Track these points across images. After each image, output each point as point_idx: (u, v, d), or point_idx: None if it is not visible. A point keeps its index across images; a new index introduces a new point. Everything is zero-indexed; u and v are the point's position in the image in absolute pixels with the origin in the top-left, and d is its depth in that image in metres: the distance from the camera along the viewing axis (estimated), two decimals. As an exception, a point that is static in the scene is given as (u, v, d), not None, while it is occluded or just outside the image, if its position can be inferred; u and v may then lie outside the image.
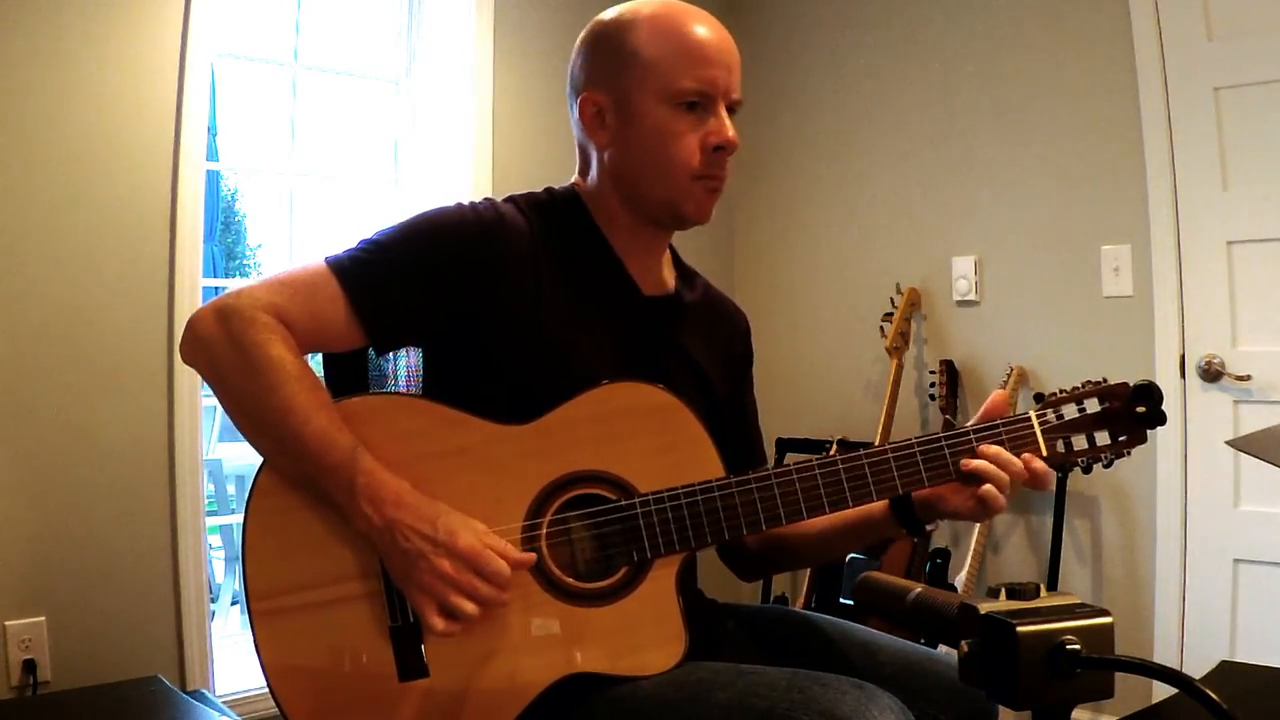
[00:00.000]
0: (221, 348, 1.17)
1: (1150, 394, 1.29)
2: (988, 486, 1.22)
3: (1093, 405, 1.29)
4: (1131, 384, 1.29)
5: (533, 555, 1.17)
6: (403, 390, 1.41)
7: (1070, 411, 1.29)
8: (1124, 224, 2.76)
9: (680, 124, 1.27)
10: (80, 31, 2.30)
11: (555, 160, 3.23)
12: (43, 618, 2.24)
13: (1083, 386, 1.30)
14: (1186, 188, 2.64)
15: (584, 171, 1.37)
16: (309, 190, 3.11)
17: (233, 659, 2.65)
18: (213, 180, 5.87)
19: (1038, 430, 1.28)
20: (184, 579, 2.42)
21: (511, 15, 3.03)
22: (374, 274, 1.22)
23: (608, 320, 1.31)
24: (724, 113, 1.28)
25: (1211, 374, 2.61)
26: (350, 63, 3.06)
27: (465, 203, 1.30)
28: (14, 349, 2.24)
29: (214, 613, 2.94)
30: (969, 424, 1.28)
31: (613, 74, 1.29)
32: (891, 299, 3.10)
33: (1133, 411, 1.29)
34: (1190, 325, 2.65)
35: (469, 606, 1.12)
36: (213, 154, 4.48)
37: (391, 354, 1.41)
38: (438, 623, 1.12)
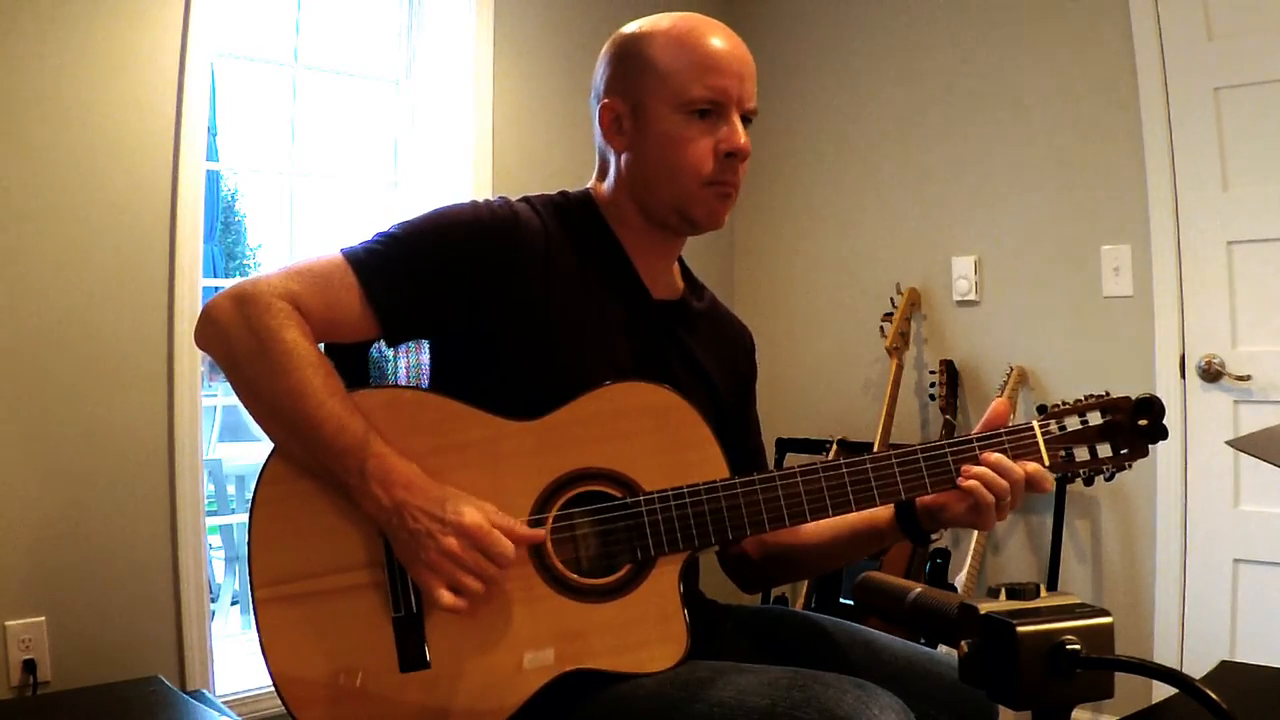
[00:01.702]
0: (237, 332, 1.19)
1: (1152, 408, 1.29)
2: (988, 494, 1.23)
3: (1095, 418, 1.30)
4: (1134, 397, 1.30)
5: (542, 531, 1.19)
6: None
7: (1073, 423, 1.30)
8: (1124, 224, 2.76)
9: (692, 130, 1.30)
10: (80, 31, 2.30)
11: (555, 159, 3.25)
12: (43, 618, 2.24)
13: (1086, 399, 1.31)
14: (1186, 188, 2.64)
15: (601, 176, 1.39)
16: (309, 190, 3.11)
17: (233, 659, 2.65)
18: (213, 180, 5.87)
19: (1040, 440, 1.28)
20: (184, 579, 2.42)
21: (511, 15, 3.03)
22: (388, 266, 1.24)
23: (617, 321, 1.33)
24: (737, 120, 1.31)
25: (1211, 374, 2.61)
26: (350, 63, 3.06)
27: (481, 200, 1.32)
28: (14, 349, 2.24)
29: (214, 613, 2.93)
30: (972, 433, 1.29)
31: (630, 82, 1.33)
32: (891, 299, 3.10)
33: (1135, 425, 1.30)
34: (1190, 325, 2.65)
35: (474, 584, 1.13)
36: (213, 154, 4.48)
37: (393, 351, 1.42)
38: (445, 596, 1.13)
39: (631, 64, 1.33)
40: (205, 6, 2.44)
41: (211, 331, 1.21)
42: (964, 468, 1.25)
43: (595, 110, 1.37)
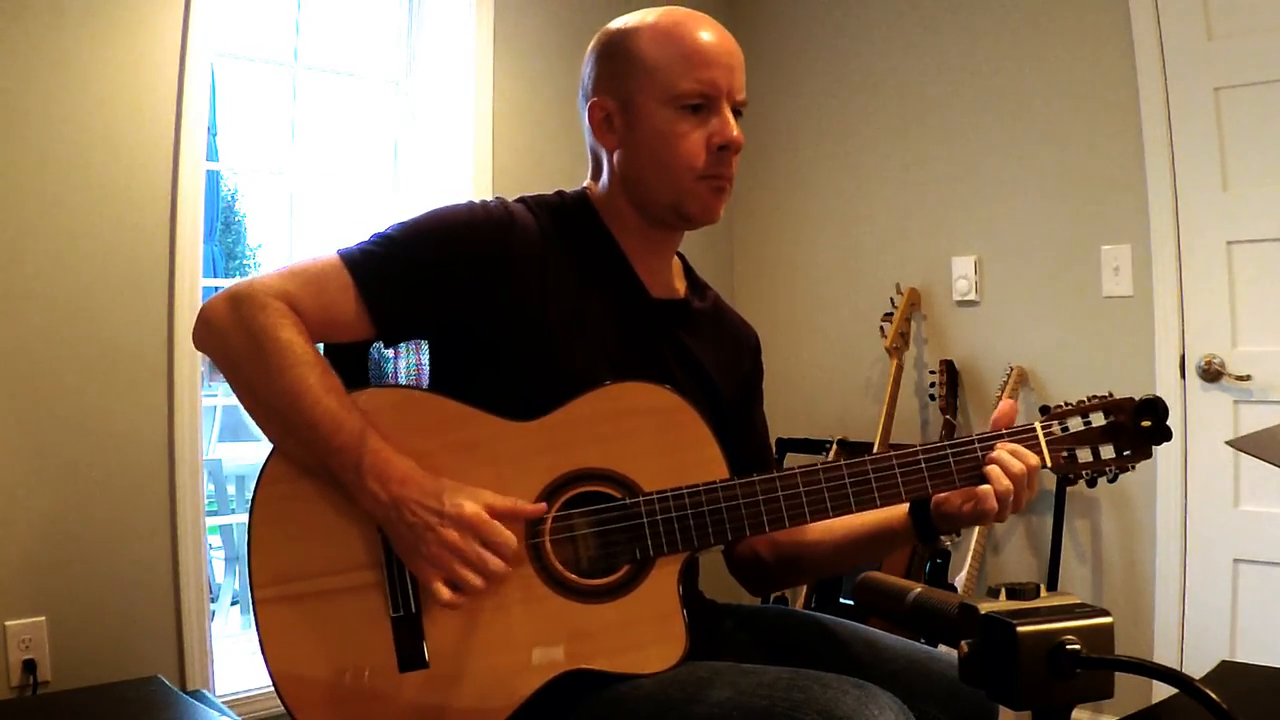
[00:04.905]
0: (233, 332, 1.19)
1: (1155, 409, 1.29)
2: (1002, 476, 1.23)
3: (1098, 419, 1.29)
4: (1137, 399, 1.30)
5: (543, 505, 1.19)
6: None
7: (1075, 424, 1.29)
8: (1124, 224, 2.76)
9: (683, 125, 1.29)
10: (80, 31, 2.30)
11: (555, 160, 3.25)
12: (43, 618, 2.24)
13: (1089, 400, 1.31)
14: (1186, 188, 2.64)
15: (595, 175, 1.39)
16: (309, 190, 3.11)
17: (233, 659, 2.65)
18: (213, 180, 5.87)
19: (1042, 441, 1.28)
20: (184, 579, 2.42)
21: (511, 15, 3.03)
22: (384, 267, 1.24)
23: (615, 320, 1.33)
24: (728, 113, 1.31)
25: (1211, 374, 2.61)
26: (350, 63, 3.06)
27: (476, 201, 1.32)
28: (14, 348, 2.24)
29: (214, 613, 2.94)
30: (977, 434, 1.28)
31: (618, 79, 1.32)
32: (891, 299, 3.10)
33: (1138, 426, 1.29)
34: (1190, 325, 2.65)
35: (474, 579, 1.14)
36: (213, 154, 4.48)
37: (393, 351, 1.42)
38: (444, 592, 1.13)
39: (619, 61, 1.33)
40: (205, 7, 2.44)
41: (208, 333, 1.22)
42: (988, 455, 1.25)
43: (584, 109, 1.37)
